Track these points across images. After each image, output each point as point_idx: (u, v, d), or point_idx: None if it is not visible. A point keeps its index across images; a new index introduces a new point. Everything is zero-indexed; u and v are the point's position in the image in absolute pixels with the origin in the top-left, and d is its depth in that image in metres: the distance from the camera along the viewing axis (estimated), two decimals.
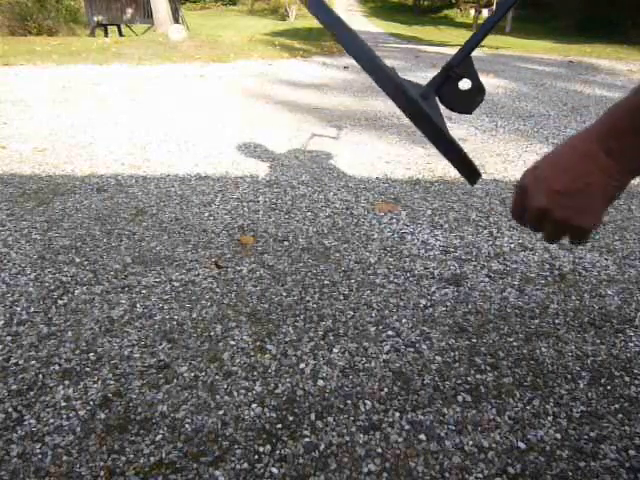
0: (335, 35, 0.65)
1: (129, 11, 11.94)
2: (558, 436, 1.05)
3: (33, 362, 1.22)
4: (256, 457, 0.99)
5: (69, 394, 1.13)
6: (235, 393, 1.14)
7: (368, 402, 1.12)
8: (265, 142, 3.04)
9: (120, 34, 12.39)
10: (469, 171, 0.79)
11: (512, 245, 1.84)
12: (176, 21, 11.77)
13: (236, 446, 1.01)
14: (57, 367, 1.21)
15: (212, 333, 1.34)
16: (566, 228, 0.51)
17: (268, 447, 1.01)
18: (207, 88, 4.69)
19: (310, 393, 1.15)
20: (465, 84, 0.73)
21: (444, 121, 0.76)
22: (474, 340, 1.33)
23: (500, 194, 2.30)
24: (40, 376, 1.18)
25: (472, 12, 21.87)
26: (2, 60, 5.75)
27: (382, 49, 8.41)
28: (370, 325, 1.38)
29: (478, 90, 0.74)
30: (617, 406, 1.13)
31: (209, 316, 1.41)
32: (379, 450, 1.01)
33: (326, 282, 1.58)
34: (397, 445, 1.02)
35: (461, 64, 0.71)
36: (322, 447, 1.01)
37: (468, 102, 0.76)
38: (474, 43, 0.73)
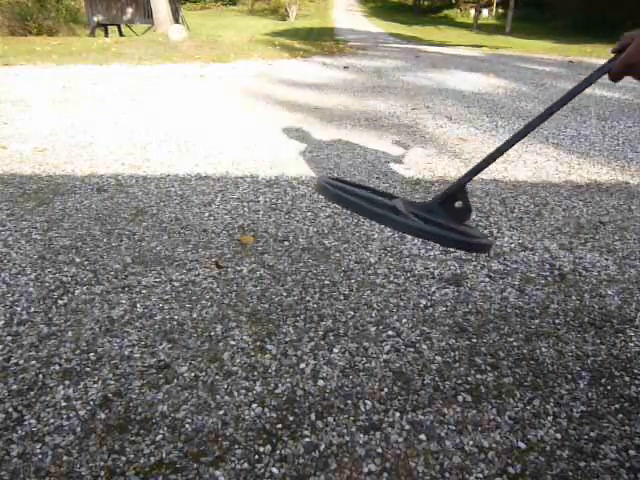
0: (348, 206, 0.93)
1: (129, 11, 11.94)
2: (558, 436, 1.05)
3: (33, 362, 1.22)
4: (256, 457, 0.99)
5: (69, 394, 1.13)
6: (235, 393, 1.14)
7: (368, 402, 1.12)
8: (265, 142, 3.04)
9: (120, 34, 12.40)
10: (480, 247, 1.04)
11: (512, 245, 1.84)
12: (176, 21, 11.78)
13: (236, 446, 1.01)
14: (57, 367, 1.21)
15: (212, 333, 1.34)
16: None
17: (268, 447, 1.01)
18: (207, 88, 4.69)
19: (310, 393, 1.15)
20: (458, 204, 0.99)
21: (460, 219, 1.00)
22: (474, 340, 1.33)
23: (500, 194, 2.30)
24: (40, 376, 1.18)
25: (472, 12, 21.88)
26: (2, 60, 5.75)
27: (382, 49, 8.40)
28: (370, 325, 1.39)
29: (467, 210, 1.00)
30: (617, 406, 1.13)
31: (209, 316, 1.41)
32: (379, 450, 1.01)
33: (326, 282, 1.58)
34: (397, 445, 1.02)
35: (459, 192, 0.98)
36: (322, 447, 1.01)
37: (460, 216, 1.01)
38: (474, 172, 1.00)
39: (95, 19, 11.68)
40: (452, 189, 0.98)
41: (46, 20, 12.25)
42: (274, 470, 0.96)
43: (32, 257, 1.71)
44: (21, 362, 1.22)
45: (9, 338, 1.31)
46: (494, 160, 1.00)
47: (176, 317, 1.40)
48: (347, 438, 1.03)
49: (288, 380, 1.18)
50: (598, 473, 0.97)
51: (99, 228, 1.92)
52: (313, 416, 1.08)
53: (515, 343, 1.32)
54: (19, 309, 1.43)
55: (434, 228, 0.89)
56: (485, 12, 22.58)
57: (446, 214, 0.97)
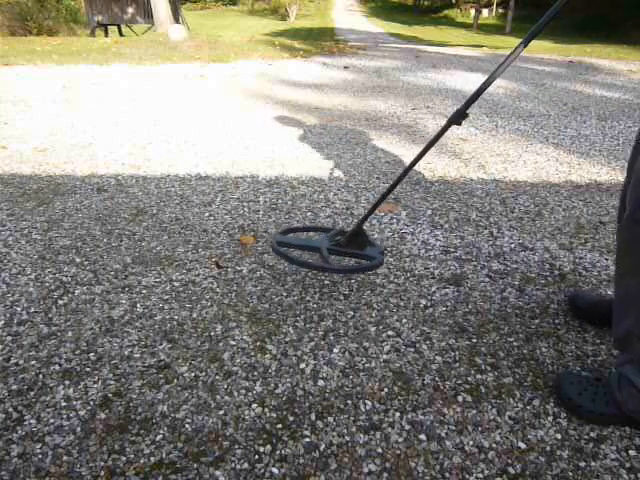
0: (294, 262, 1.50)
1: (129, 11, 11.94)
2: (558, 436, 1.05)
3: (33, 362, 1.22)
4: (256, 457, 0.99)
5: (69, 394, 1.13)
6: (235, 393, 1.14)
7: (368, 402, 1.12)
8: (265, 142, 3.04)
9: (120, 34, 12.39)
10: (369, 268, 1.49)
11: (512, 245, 1.84)
12: (176, 21, 11.77)
13: (236, 446, 1.01)
14: (57, 367, 1.21)
15: (212, 333, 1.34)
16: None
17: (268, 447, 1.01)
18: (207, 88, 4.69)
19: (310, 393, 1.15)
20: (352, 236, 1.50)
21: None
22: (474, 340, 1.33)
23: (500, 194, 2.30)
24: (40, 376, 1.18)
25: (472, 12, 21.88)
26: (2, 60, 5.75)
27: (382, 49, 8.41)
28: (370, 325, 1.39)
29: (366, 240, 1.53)
30: None
31: (209, 316, 1.41)
32: (379, 450, 1.01)
33: (326, 282, 1.58)
34: (397, 445, 1.02)
35: (359, 231, 1.49)
36: (322, 447, 1.01)
37: (361, 244, 1.52)
38: (367, 216, 1.46)
39: (95, 19, 11.68)
40: (354, 230, 1.47)
41: (46, 20, 12.24)
42: (274, 470, 0.96)
43: (32, 257, 1.71)
44: (21, 362, 1.22)
45: (9, 338, 1.31)
46: (383, 200, 1.42)
47: (176, 317, 1.40)
48: (347, 438, 1.03)
49: (288, 380, 1.18)
50: (598, 473, 0.97)
51: (99, 228, 1.92)
52: (313, 416, 1.08)
53: (515, 343, 1.32)
54: (19, 309, 1.43)
55: (340, 266, 1.57)
56: (485, 12, 22.58)
57: (353, 245, 1.51)
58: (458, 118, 1.23)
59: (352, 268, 1.55)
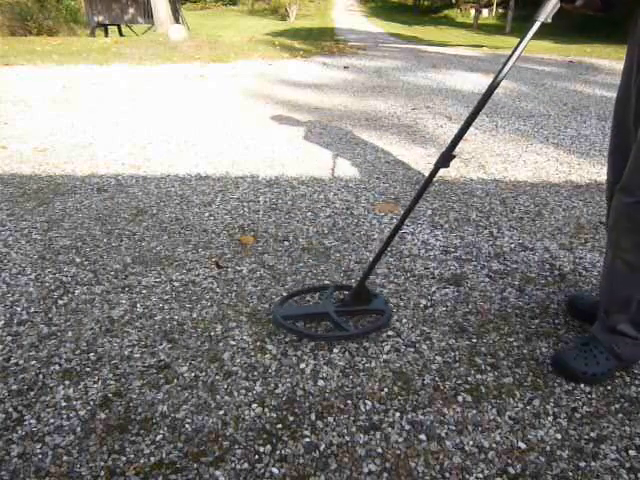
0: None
1: (129, 11, 11.94)
2: (558, 436, 1.05)
3: (33, 362, 1.22)
4: (256, 457, 0.99)
5: (69, 394, 1.13)
6: (235, 393, 1.14)
7: (368, 402, 1.12)
8: (265, 142, 3.04)
9: (120, 34, 12.40)
10: (377, 329, 1.39)
11: (512, 245, 1.84)
12: (176, 21, 11.77)
13: (236, 446, 1.01)
14: (57, 367, 1.21)
15: (212, 333, 1.34)
16: None
17: (268, 447, 1.01)
18: (207, 88, 4.69)
19: (310, 393, 1.15)
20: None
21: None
22: (474, 340, 1.33)
23: (500, 194, 2.30)
24: (40, 376, 1.18)
25: (472, 12, 21.88)
26: (2, 60, 5.76)
27: (382, 49, 8.41)
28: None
29: (369, 296, 1.43)
30: (617, 406, 1.13)
31: (209, 316, 1.41)
32: (379, 450, 1.01)
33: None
34: (397, 445, 1.02)
35: (362, 289, 1.40)
36: (322, 447, 1.01)
37: (365, 299, 1.42)
38: (368, 272, 1.38)
39: (96, 19, 11.68)
40: (358, 287, 1.39)
41: (46, 20, 12.23)
42: (274, 470, 0.96)
43: (32, 257, 1.71)
44: (21, 362, 1.22)
45: (9, 338, 1.31)
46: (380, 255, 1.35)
47: (176, 317, 1.40)
48: (347, 438, 1.03)
49: (288, 380, 1.18)
50: (598, 473, 0.97)
51: (99, 228, 1.92)
52: (313, 416, 1.08)
53: (515, 343, 1.32)
54: (19, 309, 1.43)
55: (346, 333, 1.34)
56: (485, 12, 22.57)
57: (359, 301, 1.41)
58: (444, 162, 1.23)
59: (370, 328, 1.37)
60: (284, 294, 1.51)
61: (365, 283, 1.38)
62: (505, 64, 1.10)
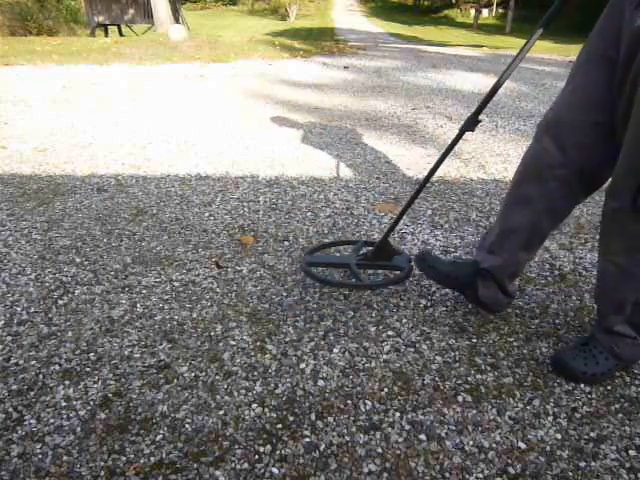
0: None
1: (130, 11, 11.94)
2: (558, 436, 1.05)
3: (33, 362, 1.22)
4: (256, 457, 0.99)
5: (69, 394, 1.13)
6: (235, 393, 1.14)
7: (368, 402, 1.12)
8: (265, 142, 3.04)
9: (120, 34, 12.40)
10: (399, 280, 1.52)
11: None
12: (176, 21, 11.77)
13: (236, 446, 1.01)
14: (57, 367, 1.21)
15: (212, 333, 1.34)
16: None
17: (268, 447, 1.01)
18: (207, 88, 4.69)
19: (310, 393, 1.15)
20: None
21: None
22: (474, 340, 1.33)
23: (500, 194, 2.30)
24: (40, 376, 1.18)
25: (472, 12, 21.89)
26: (2, 60, 5.75)
27: (382, 49, 8.41)
28: (370, 325, 1.39)
29: (393, 251, 1.55)
30: (617, 406, 1.13)
31: (209, 316, 1.41)
32: (379, 450, 1.01)
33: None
34: (397, 445, 1.02)
35: (385, 243, 1.51)
36: (322, 447, 1.01)
37: (389, 255, 1.53)
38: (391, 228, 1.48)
39: (96, 19, 11.68)
40: (380, 243, 1.49)
41: (46, 20, 12.23)
42: (274, 470, 0.96)
43: (32, 257, 1.71)
44: (21, 362, 1.22)
45: (9, 338, 1.31)
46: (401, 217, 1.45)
47: (176, 317, 1.40)
48: (347, 438, 1.03)
49: (288, 380, 1.18)
50: (598, 473, 0.97)
51: (99, 228, 1.92)
52: (313, 416, 1.08)
53: (515, 343, 1.32)
54: (19, 309, 1.43)
55: (368, 282, 1.55)
56: (485, 12, 22.59)
57: (380, 257, 1.52)
58: (470, 125, 1.22)
59: (383, 282, 1.55)
60: (314, 245, 1.74)
61: (388, 239, 1.48)
62: (529, 40, 1.11)
